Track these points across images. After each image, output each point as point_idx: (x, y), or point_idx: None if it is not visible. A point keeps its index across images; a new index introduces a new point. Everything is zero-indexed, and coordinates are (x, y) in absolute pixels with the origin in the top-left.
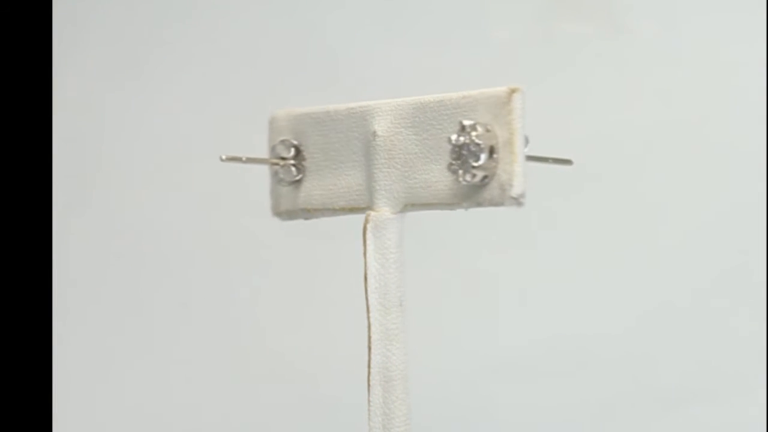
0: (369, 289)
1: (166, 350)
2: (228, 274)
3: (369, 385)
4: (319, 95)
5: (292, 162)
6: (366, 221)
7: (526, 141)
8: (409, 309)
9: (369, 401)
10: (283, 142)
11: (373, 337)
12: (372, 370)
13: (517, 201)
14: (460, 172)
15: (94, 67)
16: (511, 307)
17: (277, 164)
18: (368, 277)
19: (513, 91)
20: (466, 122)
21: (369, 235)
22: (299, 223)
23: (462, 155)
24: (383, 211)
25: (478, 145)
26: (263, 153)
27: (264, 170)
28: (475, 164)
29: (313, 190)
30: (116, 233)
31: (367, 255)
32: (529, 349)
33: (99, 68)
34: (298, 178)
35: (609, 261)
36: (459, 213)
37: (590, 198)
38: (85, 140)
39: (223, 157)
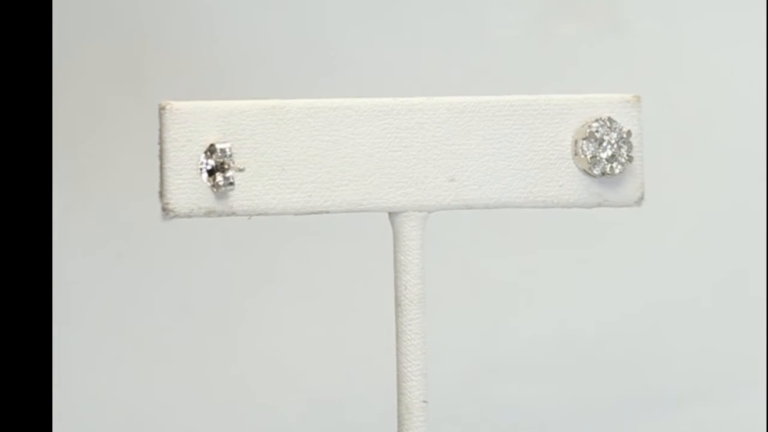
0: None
1: (166, 351)
2: (229, 274)
3: None
4: (316, 93)
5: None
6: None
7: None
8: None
9: None
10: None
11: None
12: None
13: (164, 213)
14: None
15: (94, 67)
16: (510, 307)
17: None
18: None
19: (161, 107)
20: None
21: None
22: (303, 224)
23: None
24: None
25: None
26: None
27: None
28: None
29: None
30: (116, 233)
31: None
32: (529, 350)
33: (99, 68)
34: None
35: (608, 261)
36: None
37: None
38: (85, 140)
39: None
